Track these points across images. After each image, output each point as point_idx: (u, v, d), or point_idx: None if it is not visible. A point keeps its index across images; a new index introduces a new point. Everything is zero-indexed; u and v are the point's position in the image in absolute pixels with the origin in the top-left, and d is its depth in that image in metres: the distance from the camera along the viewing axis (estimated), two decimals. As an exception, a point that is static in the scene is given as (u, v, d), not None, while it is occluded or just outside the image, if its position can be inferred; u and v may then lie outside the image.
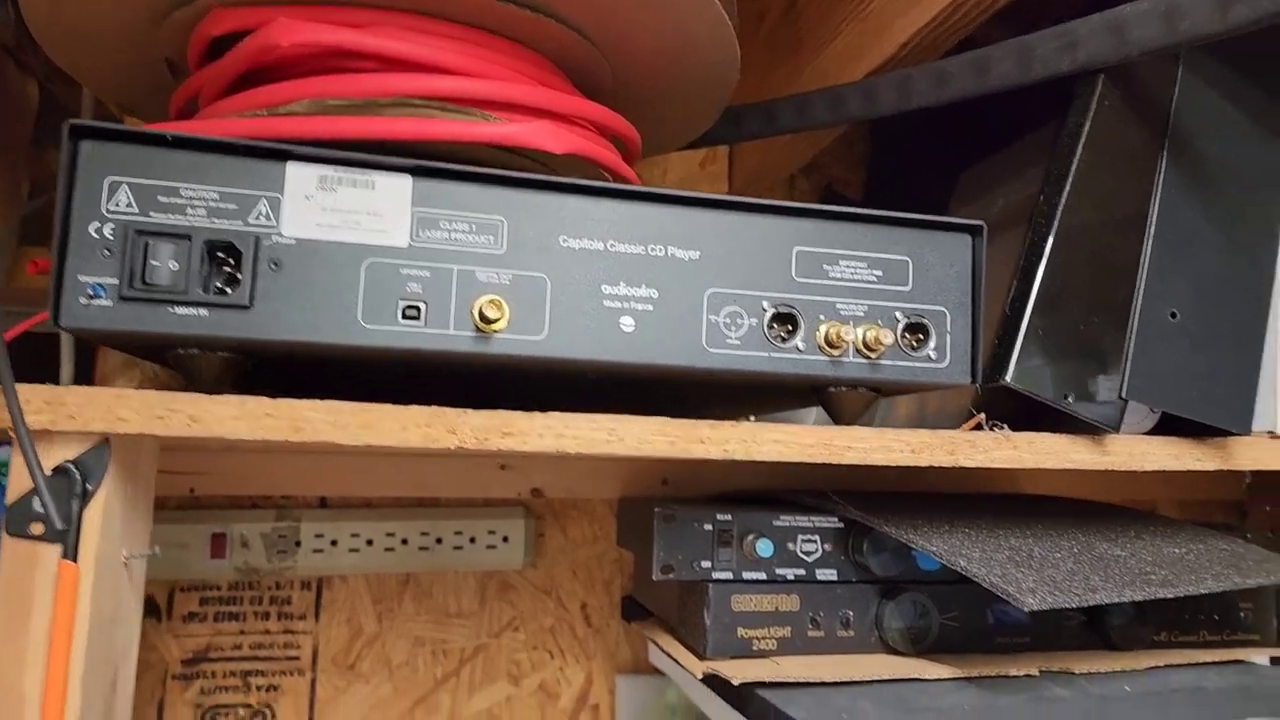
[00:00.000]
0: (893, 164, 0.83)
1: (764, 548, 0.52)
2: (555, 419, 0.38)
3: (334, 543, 0.69)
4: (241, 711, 0.68)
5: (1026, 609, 0.42)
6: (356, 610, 0.72)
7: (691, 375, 0.40)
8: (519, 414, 0.38)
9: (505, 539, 0.73)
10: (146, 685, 0.67)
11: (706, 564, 0.52)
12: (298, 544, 0.68)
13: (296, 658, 0.70)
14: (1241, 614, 0.60)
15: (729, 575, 0.52)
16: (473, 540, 0.72)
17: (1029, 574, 0.45)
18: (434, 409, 0.37)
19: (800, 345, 0.40)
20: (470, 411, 0.37)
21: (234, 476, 0.68)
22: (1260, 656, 0.58)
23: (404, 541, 0.71)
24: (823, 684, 0.48)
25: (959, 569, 0.46)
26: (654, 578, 0.51)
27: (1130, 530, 0.56)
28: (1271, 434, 0.48)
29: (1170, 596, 0.45)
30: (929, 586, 0.55)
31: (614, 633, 0.77)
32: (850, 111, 0.51)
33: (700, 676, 0.50)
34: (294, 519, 0.68)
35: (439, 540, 0.71)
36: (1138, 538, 0.54)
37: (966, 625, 0.55)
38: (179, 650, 0.68)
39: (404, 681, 0.72)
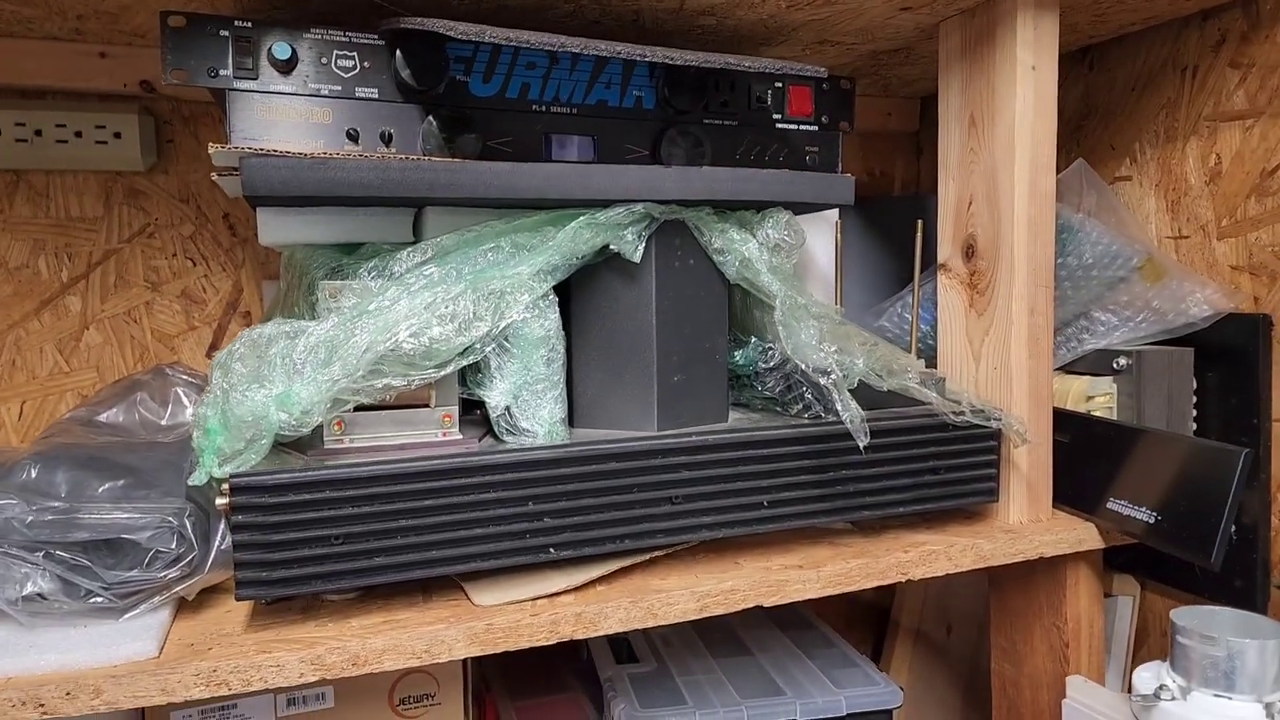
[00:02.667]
0: None
1: (280, 50, 0.50)
2: None
3: (-95, 128, 0.64)
4: None
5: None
6: (-41, 210, 0.68)
7: None
8: None
9: (118, 135, 0.70)
10: None
11: (225, 72, 0.51)
12: None
13: (-111, 254, 0.67)
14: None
15: (252, 86, 0.51)
16: (79, 134, 0.68)
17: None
18: None
19: None
20: None
21: None
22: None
23: (-5, 132, 0.67)
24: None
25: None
26: (164, 82, 0.50)
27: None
28: None
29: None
30: (481, 111, 0.55)
31: (263, 243, 0.77)
32: None
33: (219, 173, 0.51)
34: None
35: (38, 132, 0.68)
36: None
37: (520, 153, 0.56)
38: None
39: (26, 284, 0.70)
